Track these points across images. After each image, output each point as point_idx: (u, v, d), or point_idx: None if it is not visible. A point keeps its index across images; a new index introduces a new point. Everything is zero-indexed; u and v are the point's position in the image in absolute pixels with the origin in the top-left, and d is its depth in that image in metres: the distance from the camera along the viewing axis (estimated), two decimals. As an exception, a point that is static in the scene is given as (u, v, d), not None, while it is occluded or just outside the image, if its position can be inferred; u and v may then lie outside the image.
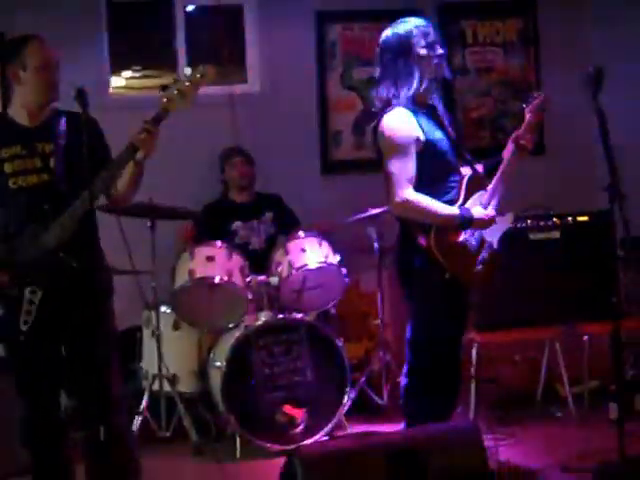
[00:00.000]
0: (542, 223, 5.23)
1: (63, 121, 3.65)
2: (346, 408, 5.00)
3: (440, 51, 3.97)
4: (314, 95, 6.07)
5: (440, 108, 4.01)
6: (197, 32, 6.11)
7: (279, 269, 5.05)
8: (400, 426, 4.78)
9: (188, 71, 3.73)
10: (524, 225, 5.21)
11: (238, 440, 4.81)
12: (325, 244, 5.11)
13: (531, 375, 5.51)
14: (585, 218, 5.28)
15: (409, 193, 3.79)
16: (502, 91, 6.28)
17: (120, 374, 3.81)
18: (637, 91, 5.85)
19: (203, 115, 5.21)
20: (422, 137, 3.83)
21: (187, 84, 3.61)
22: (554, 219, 5.24)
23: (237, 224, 5.53)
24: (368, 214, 5.27)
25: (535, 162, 6.23)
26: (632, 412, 4.94)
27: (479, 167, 4.08)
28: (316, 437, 4.83)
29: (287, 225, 5.52)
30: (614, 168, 3.83)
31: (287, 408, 4.83)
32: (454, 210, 3.84)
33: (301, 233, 5.16)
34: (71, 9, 5.55)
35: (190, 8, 6.08)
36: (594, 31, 6.27)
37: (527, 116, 4.03)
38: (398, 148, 3.83)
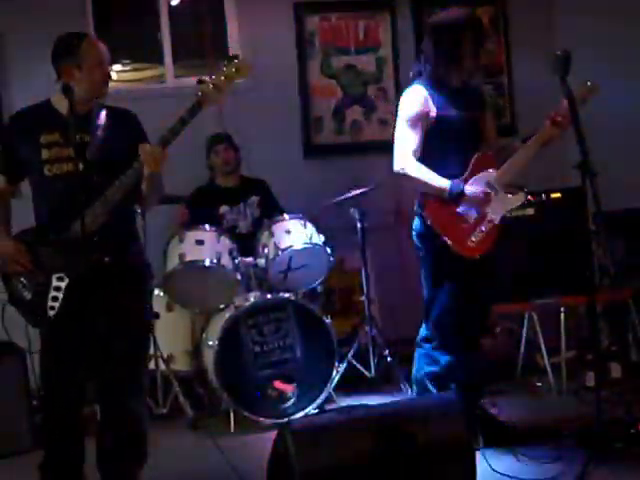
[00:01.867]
0: (517, 200, 5.38)
1: (103, 114, 3.64)
2: (335, 382, 5.14)
3: (484, 46, 4.29)
4: (295, 83, 6.22)
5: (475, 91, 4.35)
6: (181, 25, 6.20)
7: (265, 251, 5.13)
8: (387, 398, 5.03)
9: (221, 65, 3.67)
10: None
11: (232, 415, 4.92)
12: (309, 225, 5.21)
13: (511, 347, 5.68)
14: (558, 195, 5.43)
15: (407, 162, 4.12)
16: (475, 75, 6.45)
17: (146, 364, 3.89)
18: (603, 74, 6.01)
19: (189, 103, 5.31)
20: (433, 113, 4.14)
21: (222, 78, 3.59)
22: (528, 196, 5.35)
23: (224, 208, 5.62)
24: (350, 195, 5.41)
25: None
26: (607, 380, 5.11)
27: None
28: (306, 411, 4.97)
29: (271, 210, 5.59)
30: (584, 146, 3.94)
31: (278, 383, 4.96)
32: (445, 183, 4.09)
33: (285, 215, 5.26)
34: (56, 4, 5.61)
35: (175, 2, 6.17)
36: (561, 17, 6.44)
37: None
38: (406, 120, 4.17)
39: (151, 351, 4.98)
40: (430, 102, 4.17)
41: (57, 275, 3.56)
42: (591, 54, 5.60)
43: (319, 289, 5.49)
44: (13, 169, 3.70)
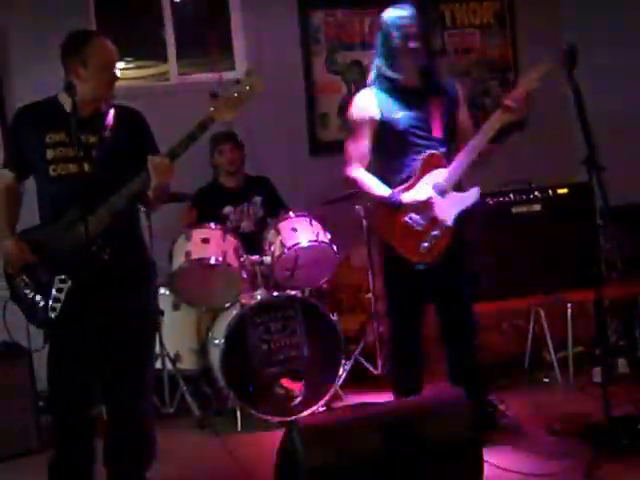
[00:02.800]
0: (524, 197, 5.34)
1: (110, 115, 3.62)
2: (342, 379, 5.13)
3: (412, 44, 4.09)
4: (300, 79, 6.20)
5: (429, 90, 4.19)
6: (184, 21, 6.19)
7: (272, 248, 5.12)
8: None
9: (237, 78, 3.69)
10: (506, 199, 5.33)
11: (239, 413, 4.92)
12: (315, 223, 5.20)
13: (518, 343, 5.65)
14: (565, 190, 5.38)
15: (352, 171, 4.15)
16: (481, 71, 6.45)
17: (152, 363, 3.91)
18: (608, 68, 6.00)
19: (194, 101, 5.30)
20: (377, 117, 4.10)
21: (235, 95, 3.58)
22: (535, 192, 5.35)
23: (228, 209, 5.60)
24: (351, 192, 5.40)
25: (515, 138, 6.41)
26: (615, 376, 5.09)
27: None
28: (314, 408, 4.95)
29: (275, 208, 5.58)
30: (591, 142, 3.95)
31: (285, 381, 4.96)
32: (385, 193, 4.07)
33: (291, 213, 5.25)
34: (59, 1, 5.59)
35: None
36: (568, 11, 6.41)
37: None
38: (352, 128, 4.19)
39: (157, 350, 4.99)
40: (374, 106, 4.12)
41: (60, 277, 3.54)
42: (597, 48, 5.56)
43: (325, 286, 5.47)
44: (22, 166, 3.68)
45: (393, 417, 3.53)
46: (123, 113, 3.66)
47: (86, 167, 3.48)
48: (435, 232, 4.09)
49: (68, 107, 3.51)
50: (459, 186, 4.21)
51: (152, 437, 3.86)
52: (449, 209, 4.11)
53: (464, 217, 4.16)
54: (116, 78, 3.63)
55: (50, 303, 3.54)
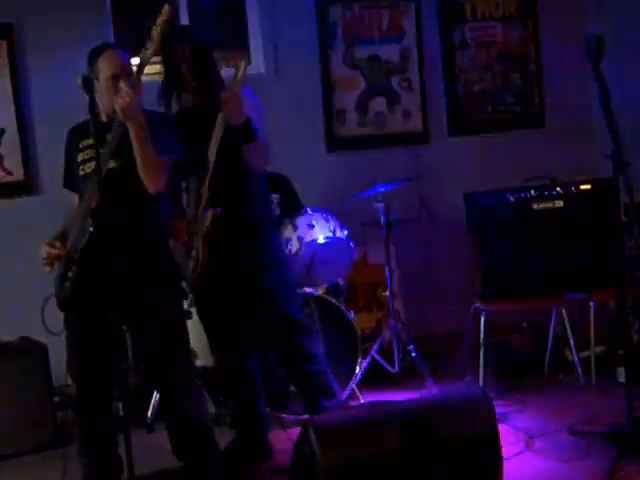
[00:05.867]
0: (546, 193, 5.24)
1: None
2: (358, 378, 5.06)
3: None
4: (318, 75, 6.11)
5: None
6: (201, 16, 6.12)
7: (289, 245, 5.07)
8: (412, 394, 4.94)
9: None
10: (528, 195, 5.23)
11: (254, 412, 4.88)
12: (333, 219, 5.16)
13: (539, 342, 5.58)
14: (588, 186, 5.26)
15: None
16: (502, 65, 6.34)
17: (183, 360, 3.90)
18: (635, 60, 5.90)
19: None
20: None
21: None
22: (557, 188, 5.25)
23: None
24: (375, 191, 5.34)
25: (536, 133, 6.35)
26: (639, 376, 5.03)
27: None
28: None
29: (292, 207, 5.48)
30: (617, 136, 3.88)
31: (301, 379, 4.92)
32: None
33: (309, 209, 5.20)
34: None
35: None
36: (592, 3, 6.30)
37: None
38: None
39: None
40: None
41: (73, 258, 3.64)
42: (622, 40, 5.47)
43: (342, 284, 5.40)
44: (73, 182, 3.86)
45: (411, 415, 3.48)
46: (149, 116, 3.64)
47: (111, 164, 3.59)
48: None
49: (103, 116, 3.69)
50: None
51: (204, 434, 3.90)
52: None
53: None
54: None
55: (65, 285, 3.67)
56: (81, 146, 3.76)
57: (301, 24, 6.09)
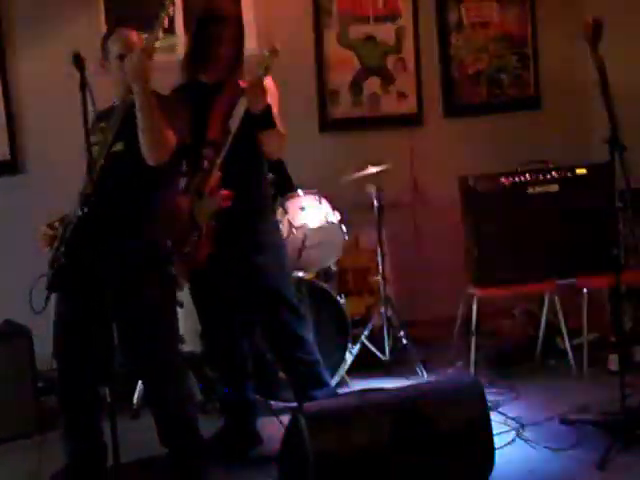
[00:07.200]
0: (540, 177, 5.20)
1: None
2: (348, 364, 5.02)
3: None
4: (311, 54, 6.02)
5: None
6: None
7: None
8: (403, 381, 4.90)
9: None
10: (522, 179, 5.19)
11: (242, 397, 4.83)
12: (324, 202, 5.11)
13: (530, 329, 5.55)
14: (583, 171, 5.23)
15: None
16: (498, 46, 6.25)
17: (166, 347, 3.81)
18: (634, 42, 5.82)
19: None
20: None
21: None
22: (552, 173, 5.21)
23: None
24: (367, 172, 5.27)
25: (532, 116, 6.27)
26: (631, 364, 4.96)
27: None
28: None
29: (285, 189, 5.39)
30: (614, 120, 3.84)
31: (290, 365, 4.86)
32: None
33: (300, 191, 5.14)
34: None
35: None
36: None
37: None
38: None
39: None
40: None
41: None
42: (621, 23, 5.38)
43: (333, 268, 5.34)
44: None
45: (402, 403, 3.48)
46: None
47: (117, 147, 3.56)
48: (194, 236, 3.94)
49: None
50: None
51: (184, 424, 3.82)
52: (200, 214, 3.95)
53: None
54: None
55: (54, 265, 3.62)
56: (97, 127, 3.67)
57: (295, 2, 5.99)
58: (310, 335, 4.21)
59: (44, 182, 5.31)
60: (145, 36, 3.52)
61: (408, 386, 3.98)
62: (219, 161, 3.87)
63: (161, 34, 3.46)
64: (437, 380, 4.28)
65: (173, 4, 3.47)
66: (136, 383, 4.94)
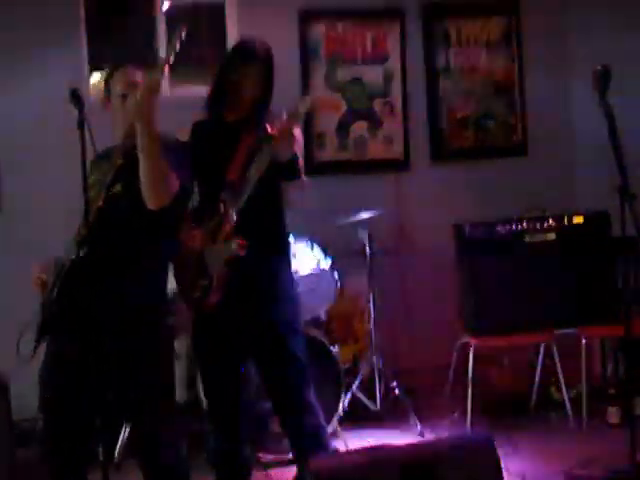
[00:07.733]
0: (538, 225, 5.16)
1: None
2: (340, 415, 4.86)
3: None
4: (298, 95, 5.90)
5: None
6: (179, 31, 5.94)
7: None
8: (395, 433, 4.74)
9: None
10: (520, 228, 5.15)
11: (231, 450, 4.64)
12: (316, 248, 5.01)
13: (520, 378, 5.46)
14: (580, 219, 5.21)
15: None
16: (486, 91, 6.19)
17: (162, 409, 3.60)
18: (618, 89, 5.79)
19: (187, 117, 5.04)
20: None
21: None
22: (550, 221, 5.17)
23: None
24: (359, 217, 5.16)
25: (518, 163, 6.20)
26: (633, 417, 4.89)
27: None
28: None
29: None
30: (624, 169, 3.77)
31: (281, 417, 4.69)
32: None
33: (291, 238, 5.01)
34: (50, 9, 5.35)
35: (165, 7, 5.78)
36: (577, 31, 6.17)
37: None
38: None
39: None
40: None
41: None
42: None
43: (323, 316, 5.19)
44: None
45: (412, 460, 3.28)
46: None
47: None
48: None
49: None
50: None
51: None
52: (215, 261, 3.76)
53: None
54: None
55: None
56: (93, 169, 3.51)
57: (282, 42, 5.82)
58: (315, 399, 4.01)
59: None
60: (149, 74, 3.36)
61: (419, 443, 3.90)
62: (237, 207, 3.70)
63: (166, 71, 3.32)
64: (450, 437, 4.13)
65: (181, 41, 3.32)
66: (118, 435, 4.73)
